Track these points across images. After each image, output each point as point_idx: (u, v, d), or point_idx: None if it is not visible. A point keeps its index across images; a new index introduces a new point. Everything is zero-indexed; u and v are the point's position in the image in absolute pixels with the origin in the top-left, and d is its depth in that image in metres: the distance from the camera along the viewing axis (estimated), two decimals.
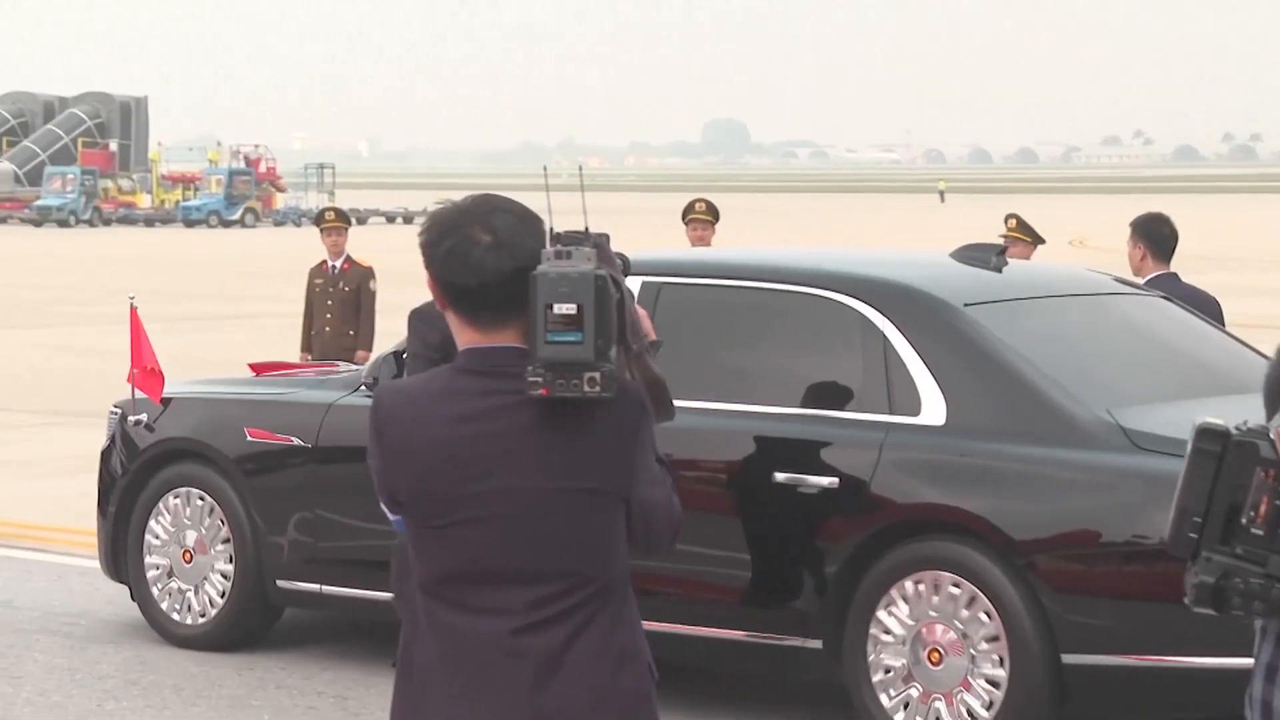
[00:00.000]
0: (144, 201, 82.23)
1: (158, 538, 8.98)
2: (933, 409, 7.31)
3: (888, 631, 7.28)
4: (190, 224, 75.17)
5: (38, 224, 73.41)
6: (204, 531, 8.88)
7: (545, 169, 4.82)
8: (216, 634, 8.81)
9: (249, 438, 8.71)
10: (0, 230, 70.19)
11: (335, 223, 13.73)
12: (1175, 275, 9.44)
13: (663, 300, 7.81)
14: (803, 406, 7.53)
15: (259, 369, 9.37)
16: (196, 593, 8.92)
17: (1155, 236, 9.50)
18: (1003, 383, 7.30)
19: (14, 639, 8.99)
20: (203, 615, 8.87)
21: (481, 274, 3.45)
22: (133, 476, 9.06)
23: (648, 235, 24.68)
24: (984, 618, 7.12)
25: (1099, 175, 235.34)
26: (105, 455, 9.23)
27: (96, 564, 9.42)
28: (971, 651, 7.14)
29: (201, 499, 8.88)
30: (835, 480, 7.31)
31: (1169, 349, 8.12)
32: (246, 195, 77.62)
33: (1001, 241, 10.54)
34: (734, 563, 7.51)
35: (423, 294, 4.29)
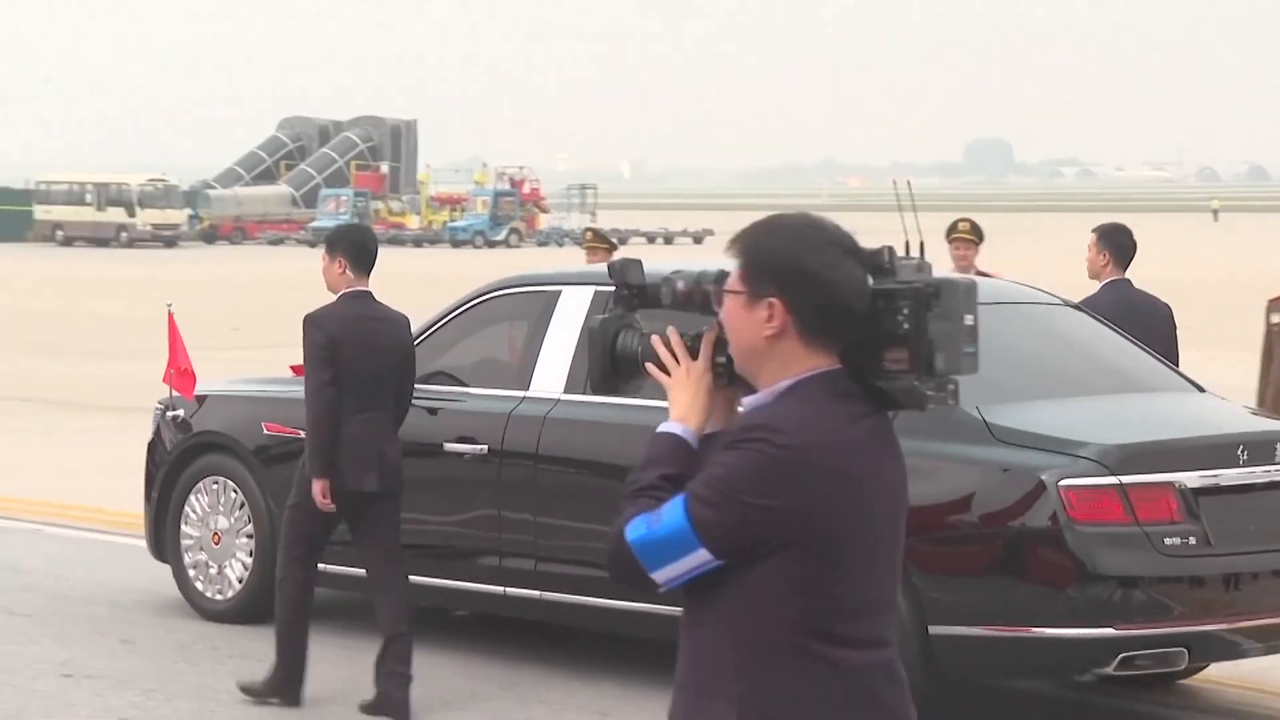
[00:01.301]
0: (413, 222, 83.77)
1: (191, 522, 9.98)
2: None
3: None
4: (457, 244, 76.39)
5: (312, 245, 74.89)
6: (230, 517, 9.86)
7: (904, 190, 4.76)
8: (239, 608, 9.78)
9: (265, 431, 9.68)
10: (277, 251, 72.05)
11: (595, 243, 13.86)
12: (1129, 281, 10.00)
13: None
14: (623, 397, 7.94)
15: (299, 370, 9.73)
16: (222, 571, 9.90)
17: (1118, 245, 10.05)
18: None
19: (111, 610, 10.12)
20: (224, 592, 9.86)
21: (865, 297, 3.43)
22: (170, 466, 10.06)
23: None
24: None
25: None
26: (150, 447, 10.24)
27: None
28: None
29: (233, 490, 9.84)
30: None
31: (1063, 353, 8.77)
32: (511, 216, 78.68)
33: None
34: None
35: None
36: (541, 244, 77.66)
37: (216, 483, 9.92)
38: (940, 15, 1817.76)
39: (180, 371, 10.05)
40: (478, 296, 9.54)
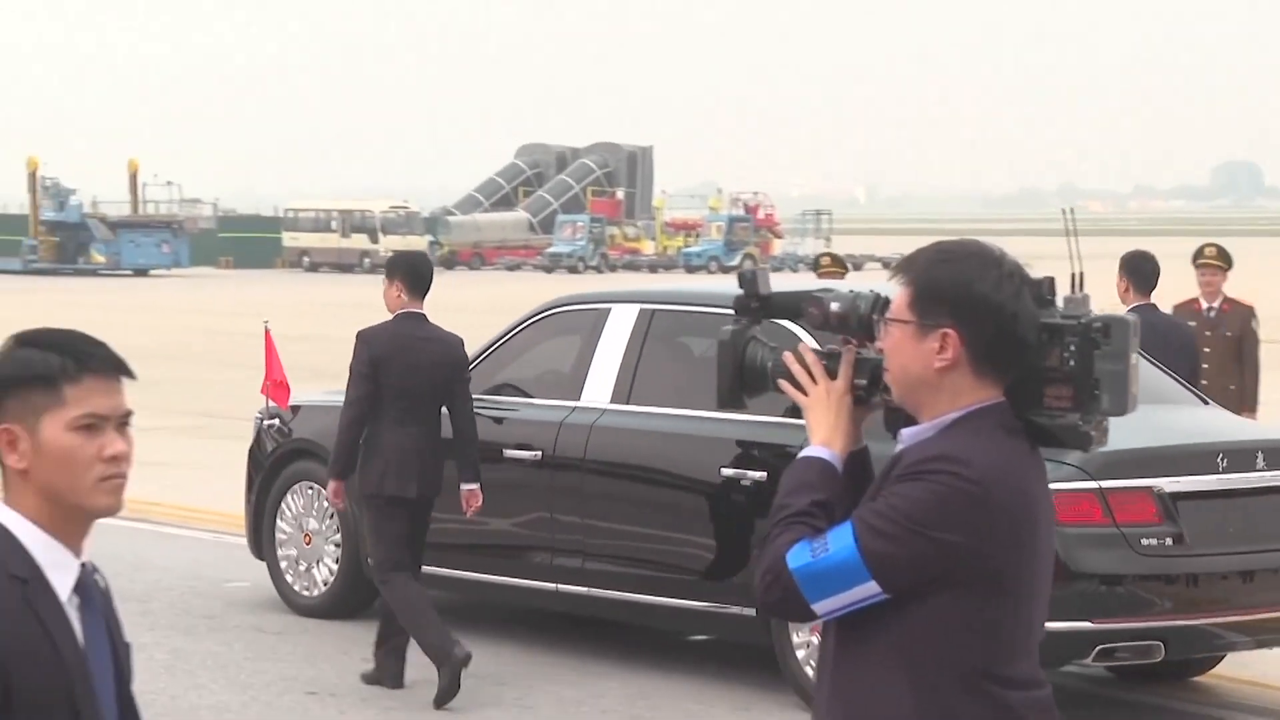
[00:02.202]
0: (648, 248, 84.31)
1: (285, 523, 10.74)
2: None
3: None
4: (691, 270, 76.68)
5: (548, 270, 75.95)
6: (320, 520, 10.62)
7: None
8: (326, 605, 10.52)
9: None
10: (514, 276, 73.04)
11: (832, 268, 13.79)
12: (1154, 306, 10.50)
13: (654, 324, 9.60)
14: (740, 412, 8.57)
15: None
16: (312, 570, 10.65)
17: (1138, 272, 10.56)
18: None
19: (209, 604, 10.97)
20: (317, 589, 10.62)
21: (1037, 331, 3.33)
22: (267, 472, 10.81)
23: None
24: None
25: None
26: (250, 454, 11.00)
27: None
28: None
29: (316, 491, 10.56)
30: (764, 475, 8.84)
31: None
32: (745, 241, 78.74)
33: None
34: (691, 543, 9.13)
35: None
36: (776, 269, 77.79)
37: (311, 488, 10.65)
38: (1183, 34, 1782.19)
39: (276, 383, 10.75)
40: (538, 314, 10.25)
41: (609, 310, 9.87)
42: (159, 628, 10.21)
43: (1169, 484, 8.36)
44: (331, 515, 10.51)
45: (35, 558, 2.95)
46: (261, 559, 10.92)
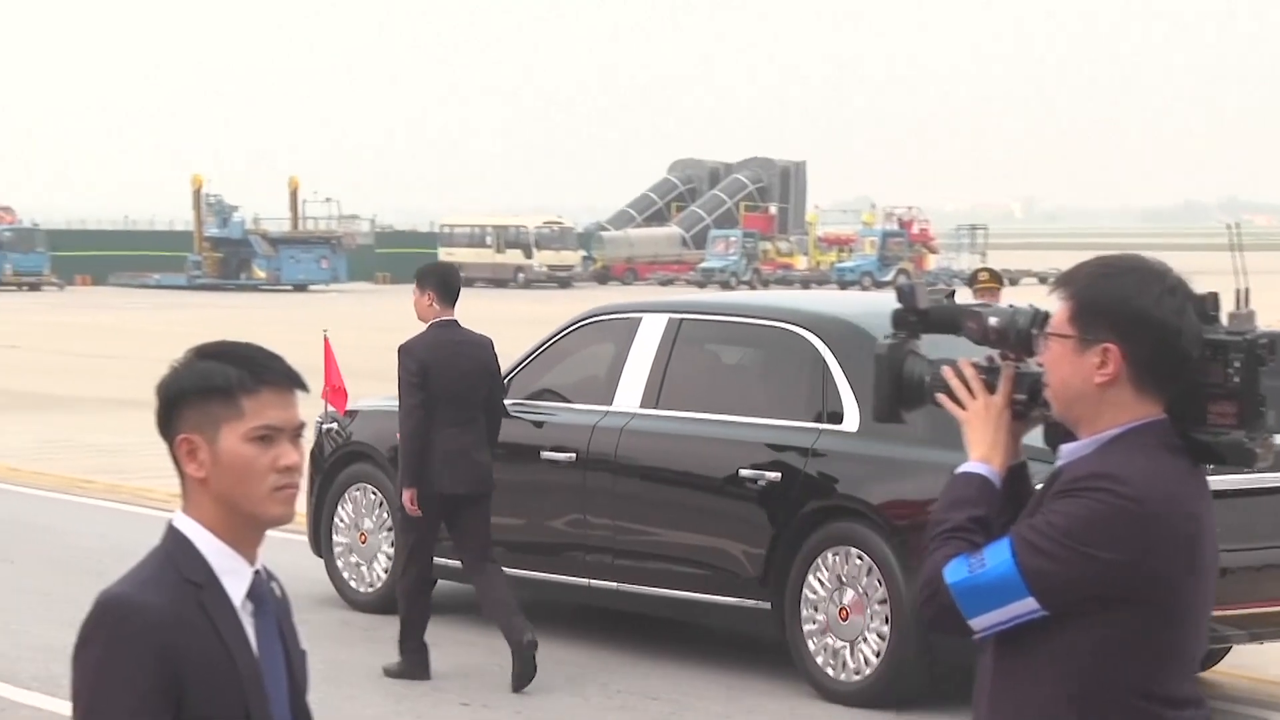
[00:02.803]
0: (801, 263, 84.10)
1: (342, 522, 11.33)
2: (850, 418, 9.36)
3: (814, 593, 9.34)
4: (844, 285, 76.31)
5: (701, 285, 75.69)
6: (373, 518, 11.21)
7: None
8: (381, 600, 11.04)
9: (398, 440, 10.66)
10: (667, 291, 73.18)
11: (989, 283, 13.62)
12: None
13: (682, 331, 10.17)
14: (765, 416, 9.71)
15: None
16: (368, 567, 11.25)
17: None
18: None
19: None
20: (372, 586, 11.22)
21: (1200, 346, 3.30)
22: (325, 473, 11.38)
23: None
24: (877, 583, 9.11)
25: None
26: (311, 456, 11.40)
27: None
28: (870, 609, 9.16)
29: (372, 492, 11.18)
30: (778, 475, 9.44)
31: None
32: (899, 257, 78.26)
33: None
34: (713, 540, 9.67)
35: None
36: (930, 285, 77.12)
37: (359, 489, 11.27)
38: None
39: (335, 389, 11.38)
40: (576, 323, 10.81)
41: (640, 319, 10.43)
42: (316, 638, 10.33)
43: None
44: (381, 505, 11.11)
45: (210, 564, 3.01)
46: (320, 556, 11.46)
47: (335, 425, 11.47)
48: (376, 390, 14.37)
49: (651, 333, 10.28)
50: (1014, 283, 71.54)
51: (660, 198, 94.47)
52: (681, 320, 10.29)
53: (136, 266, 75.69)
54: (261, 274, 71.68)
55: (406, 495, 9.56)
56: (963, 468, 3.45)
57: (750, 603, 9.55)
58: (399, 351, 9.71)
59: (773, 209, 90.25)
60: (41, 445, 19.99)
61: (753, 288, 75.54)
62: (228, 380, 3.02)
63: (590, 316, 10.84)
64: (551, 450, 10.37)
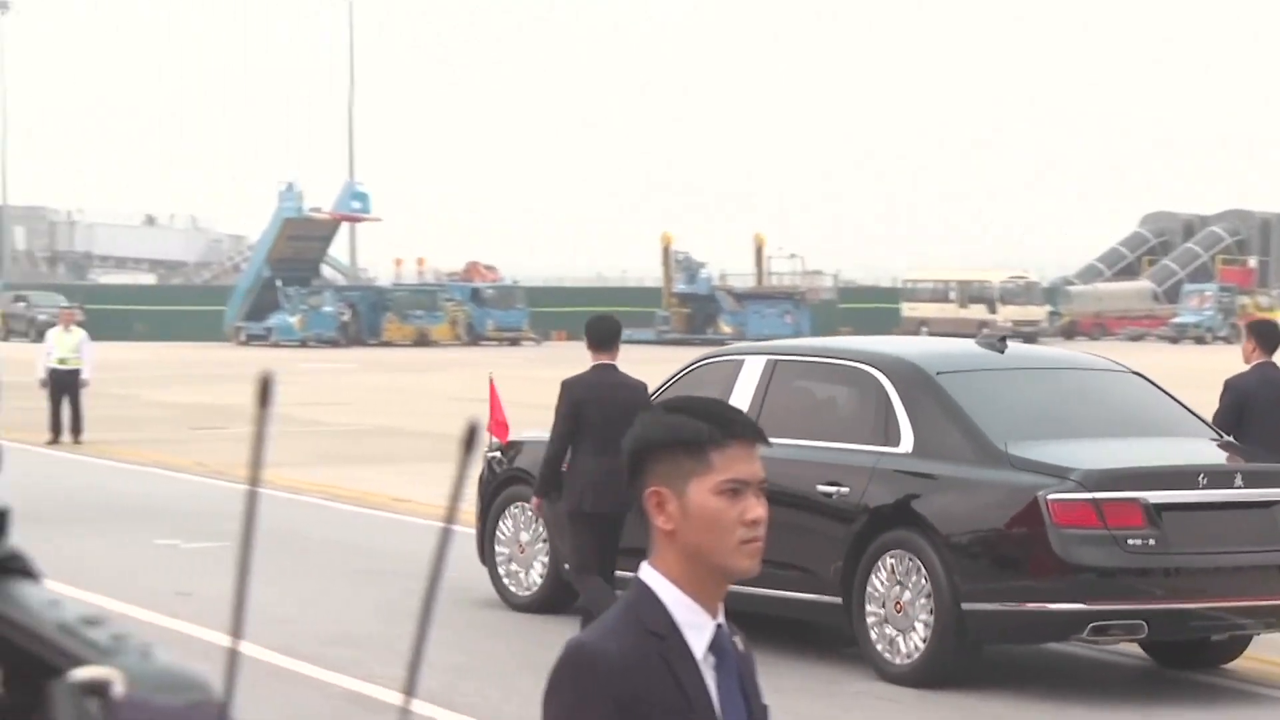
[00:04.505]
0: None
1: (503, 536, 13.10)
2: (906, 441, 11.02)
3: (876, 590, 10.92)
4: None
5: (1174, 340, 73.92)
6: (530, 534, 12.92)
7: None
8: (536, 603, 12.82)
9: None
10: (1136, 347, 71.52)
11: None
12: (1273, 364, 12.41)
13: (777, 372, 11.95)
14: (835, 440, 11.42)
15: None
16: (525, 574, 12.98)
17: (1262, 335, 12.58)
18: (945, 423, 10.95)
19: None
20: (528, 591, 12.94)
21: None
22: (491, 494, 13.20)
23: None
24: (923, 581, 10.66)
25: None
26: (480, 479, 13.31)
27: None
28: (918, 602, 10.69)
29: (529, 510, 12.80)
30: (847, 489, 11.10)
31: (1093, 406, 11.46)
32: None
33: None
34: (796, 544, 11.10)
35: None
36: None
37: (518, 507, 12.94)
38: None
39: (498, 423, 13.05)
40: (692, 365, 12.58)
41: (743, 361, 12.20)
42: (783, 690, 10.25)
43: (1155, 496, 10.37)
44: (541, 530, 12.80)
45: (673, 616, 3.03)
46: (485, 565, 13.17)
47: (497, 454, 13.25)
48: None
49: (752, 372, 11.98)
50: None
51: (1130, 251, 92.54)
52: (776, 361, 12.02)
53: None
54: (727, 329, 72.79)
55: (535, 502, 11.52)
56: None
57: (827, 598, 11.10)
58: (560, 386, 11.30)
59: (1252, 262, 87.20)
60: None
61: (1229, 342, 72.95)
62: (697, 434, 3.05)
63: (704, 359, 12.73)
64: None
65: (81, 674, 1.26)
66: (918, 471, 10.82)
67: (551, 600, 12.76)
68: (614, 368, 11.31)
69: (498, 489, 13.19)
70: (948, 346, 13.08)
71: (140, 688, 1.23)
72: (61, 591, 1.50)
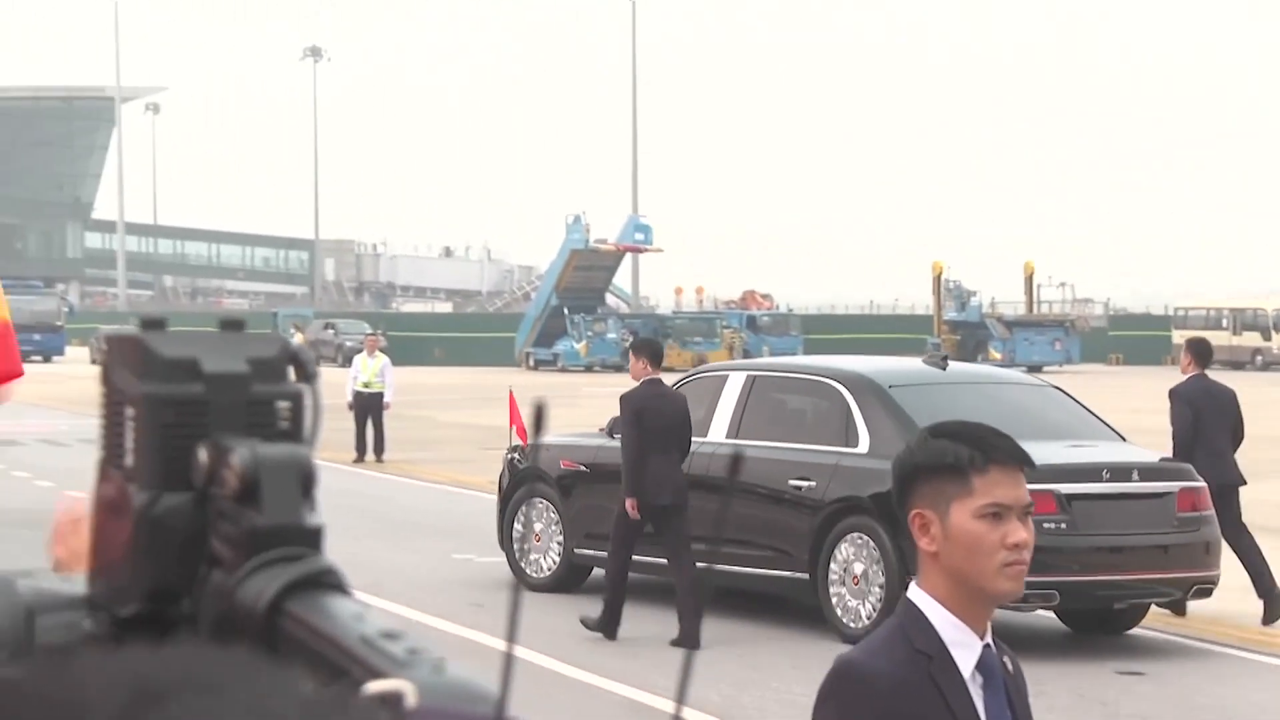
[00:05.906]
0: None
1: (520, 526, 14.51)
2: (863, 443, 12.68)
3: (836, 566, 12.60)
4: None
5: None
6: (544, 523, 14.39)
7: None
8: (551, 583, 14.24)
9: (562, 466, 14.19)
10: None
11: None
12: (1205, 375, 13.86)
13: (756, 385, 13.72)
14: (804, 442, 13.04)
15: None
16: (541, 558, 14.39)
17: (1197, 351, 13.94)
18: (896, 427, 12.32)
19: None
20: (543, 573, 14.34)
21: None
22: (510, 489, 14.74)
23: None
24: (876, 558, 12.28)
25: None
26: (501, 476, 14.95)
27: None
28: (871, 575, 12.32)
29: (542, 503, 14.45)
30: (814, 483, 12.78)
31: (1022, 410, 12.89)
32: None
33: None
34: (770, 529, 12.92)
35: None
36: None
37: (540, 501, 14.57)
38: None
39: (521, 428, 14.85)
40: (685, 379, 14.13)
41: (727, 376, 14.05)
42: (1056, 709, 10.21)
43: (1065, 488, 11.99)
44: (554, 520, 14.25)
45: (941, 636, 3.06)
46: (503, 549, 14.69)
47: (516, 454, 14.84)
48: None
49: (734, 386, 13.73)
50: None
51: None
52: (755, 376, 13.79)
53: (878, 349, 77.20)
54: (997, 355, 72.00)
55: (630, 504, 12.48)
56: None
57: (797, 575, 12.75)
58: (620, 400, 12.79)
59: None
60: None
61: None
62: (959, 459, 3.05)
63: (695, 374, 14.44)
64: None
65: (375, 686, 1.25)
66: (873, 469, 12.40)
67: (565, 581, 14.30)
68: (660, 381, 12.79)
69: (515, 485, 14.77)
70: (899, 365, 14.70)
71: (430, 699, 1.24)
72: (366, 602, 1.48)
